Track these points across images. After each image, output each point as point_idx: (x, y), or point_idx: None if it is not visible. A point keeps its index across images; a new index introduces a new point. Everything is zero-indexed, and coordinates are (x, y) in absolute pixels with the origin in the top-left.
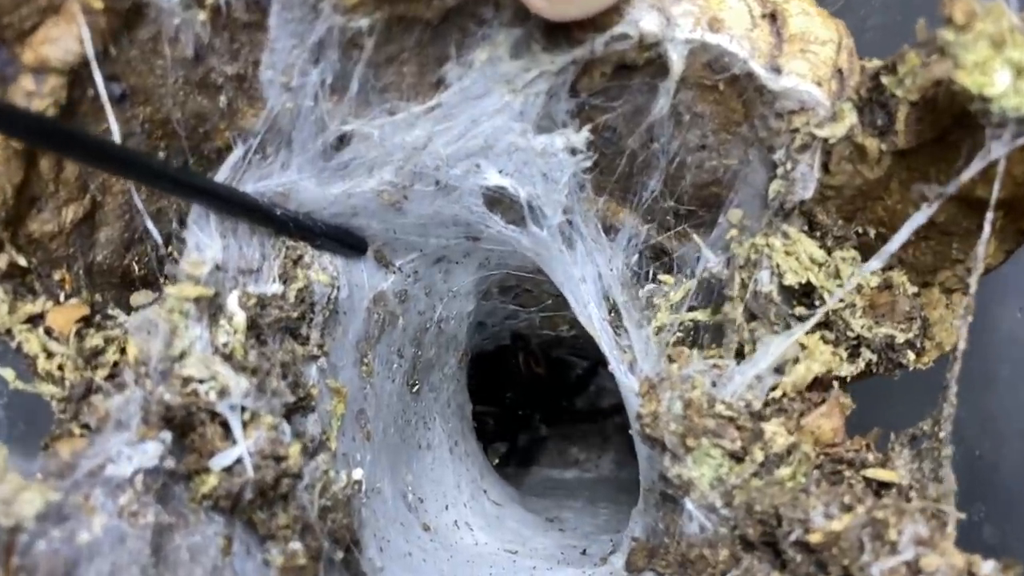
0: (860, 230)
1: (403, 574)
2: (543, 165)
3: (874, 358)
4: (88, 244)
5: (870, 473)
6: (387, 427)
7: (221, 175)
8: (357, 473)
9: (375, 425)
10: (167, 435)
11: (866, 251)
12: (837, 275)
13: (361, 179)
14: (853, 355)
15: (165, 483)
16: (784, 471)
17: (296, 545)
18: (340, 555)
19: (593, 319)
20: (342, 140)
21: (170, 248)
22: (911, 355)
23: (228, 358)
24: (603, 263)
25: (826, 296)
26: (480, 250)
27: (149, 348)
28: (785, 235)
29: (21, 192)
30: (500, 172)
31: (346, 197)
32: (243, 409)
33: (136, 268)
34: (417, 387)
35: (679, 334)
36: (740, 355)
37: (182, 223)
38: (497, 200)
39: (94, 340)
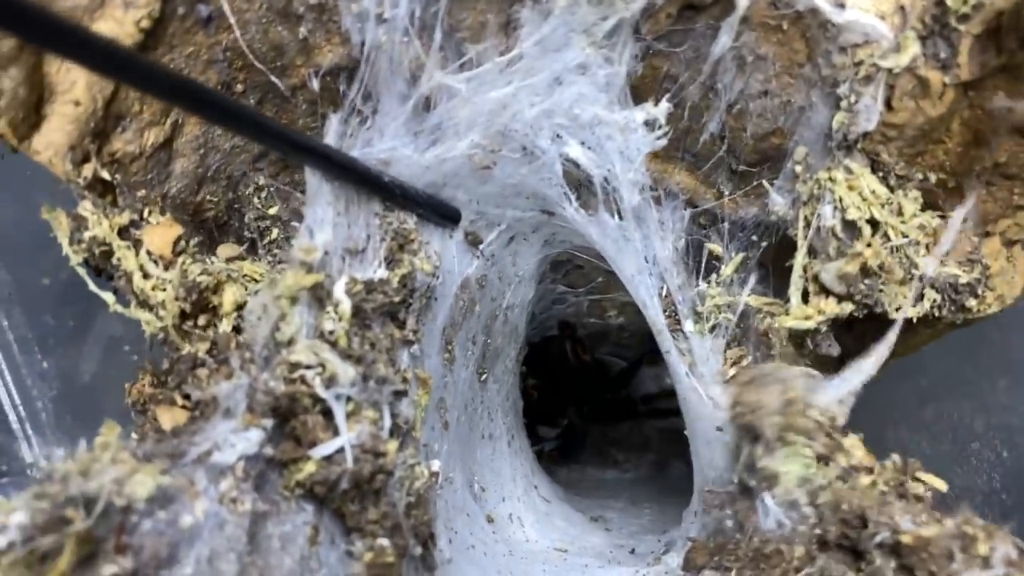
0: (921, 176)
1: (468, 567)
2: (622, 142)
3: (938, 298)
4: (165, 173)
5: (924, 476)
6: (460, 415)
7: (329, 140)
8: (435, 465)
9: (452, 414)
10: (269, 422)
11: (926, 197)
12: (900, 212)
13: (452, 142)
14: (917, 297)
15: (262, 470)
16: (866, 479)
17: (384, 542)
18: (419, 551)
19: (657, 319)
20: (428, 103)
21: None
22: (973, 300)
23: (334, 345)
24: (658, 243)
25: (891, 233)
26: (550, 225)
27: (255, 332)
28: (848, 170)
29: (109, 106)
30: (582, 144)
31: (439, 163)
32: (348, 399)
33: (208, 207)
34: (485, 376)
35: (733, 327)
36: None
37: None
38: (574, 177)
39: (192, 269)
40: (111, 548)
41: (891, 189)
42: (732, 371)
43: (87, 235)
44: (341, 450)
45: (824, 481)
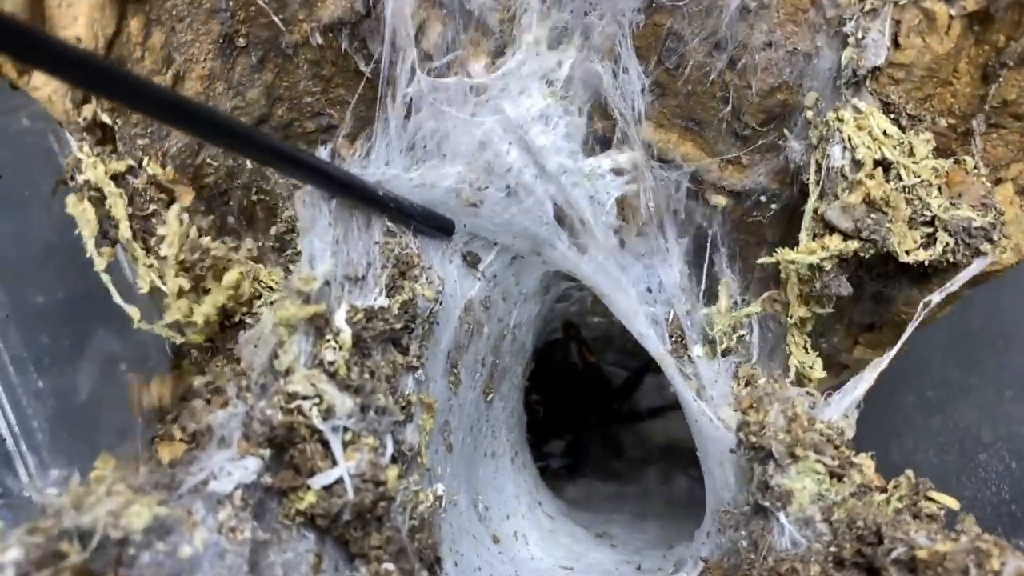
0: (931, 119)
1: None
2: (590, 188)
3: (951, 242)
4: (166, 129)
5: (936, 496)
6: (465, 436)
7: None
8: (440, 488)
9: (456, 436)
10: (266, 451)
11: (938, 142)
12: (912, 153)
13: (437, 165)
14: (929, 239)
15: (261, 498)
16: (880, 496)
17: (390, 566)
18: (425, 574)
19: (658, 348)
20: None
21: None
22: (987, 244)
23: (333, 376)
24: (663, 268)
25: (903, 173)
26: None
27: (253, 359)
28: (856, 109)
29: (111, 47)
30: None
31: (428, 189)
32: (346, 430)
33: (208, 171)
34: (491, 396)
35: (740, 348)
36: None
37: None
38: (563, 216)
39: (203, 241)
40: None
41: (903, 129)
42: (745, 390)
43: (80, 179)
44: (340, 481)
45: (838, 497)
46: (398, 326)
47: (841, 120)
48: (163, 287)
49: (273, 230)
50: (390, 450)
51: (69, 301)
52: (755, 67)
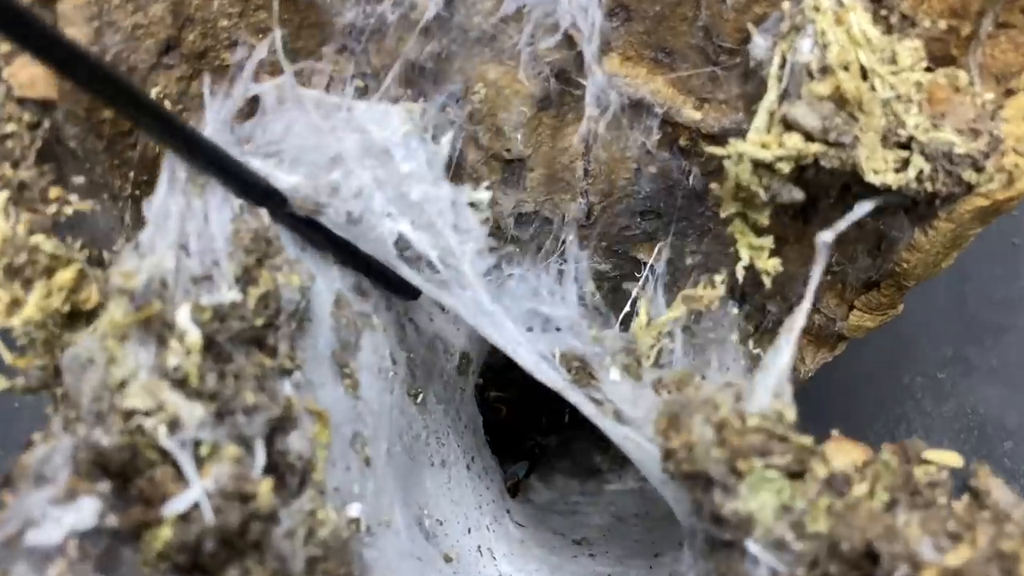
0: (928, 23)
1: None
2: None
3: (927, 169)
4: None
5: (931, 455)
6: (391, 446)
7: None
8: (353, 510)
9: (375, 447)
10: (105, 486)
11: (938, 49)
12: (893, 61)
13: (278, 165)
14: (902, 164)
15: (110, 546)
16: (859, 489)
17: None
18: None
19: (556, 380)
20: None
21: None
22: (973, 173)
23: (181, 384)
24: (557, 295)
25: (878, 84)
26: None
27: (81, 385)
28: (838, 0)
29: None
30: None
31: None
32: (198, 444)
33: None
34: (421, 396)
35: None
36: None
37: None
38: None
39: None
40: None
41: (891, 30)
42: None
43: None
44: (198, 505)
45: (804, 503)
46: (258, 323)
47: (818, 10)
48: None
49: None
50: (261, 459)
51: None
52: None
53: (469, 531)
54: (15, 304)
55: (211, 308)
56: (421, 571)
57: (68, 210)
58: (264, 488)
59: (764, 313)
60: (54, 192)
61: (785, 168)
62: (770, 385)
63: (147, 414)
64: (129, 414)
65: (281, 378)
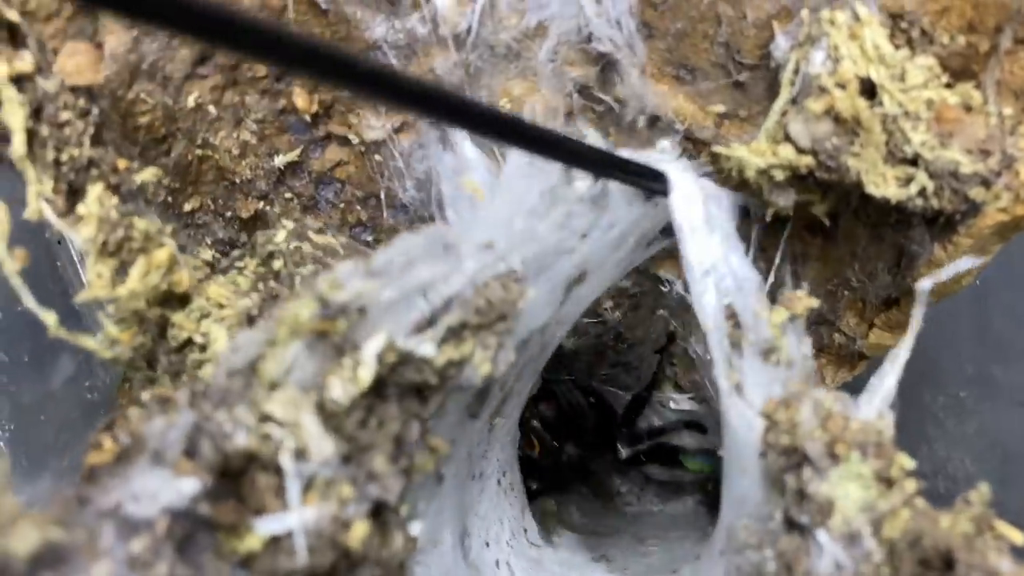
0: (947, 39)
1: None
2: None
3: (930, 186)
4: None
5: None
6: (460, 465)
7: None
8: (415, 528)
9: (450, 466)
10: (208, 477)
11: (954, 62)
12: (903, 79)
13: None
14: (906, 180)
15: (191, 531)
16: (944, 515)
17: None
18: None
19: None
20: None
21: None
22: (981, 190)
23: (322, 406)
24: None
25: (886, 100)
26: None
27: (222, 366)
28: (855, 14)
29: None
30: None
31: None
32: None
33: (142, 109)
34: (496, 419)
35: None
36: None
37: None
38: None
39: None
40: None
41: (911, 45)
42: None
43: None
44: (291, 534)
45: (888, 507)
46: (432, 382)
47: (833, 23)
48: (52, 218)
49: (221, 230)
50: (366, 507)
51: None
52: None
53: (487, 545)
54: (118, 277)
55: (401, 353)
56: None
57: (137, 178)
58: (358, 533)
59: None
60: (122, 163)
61: (779, 175)
62: (876, 403)
63: (281, 425)
64: (264, 417)
65: (417, 423)
